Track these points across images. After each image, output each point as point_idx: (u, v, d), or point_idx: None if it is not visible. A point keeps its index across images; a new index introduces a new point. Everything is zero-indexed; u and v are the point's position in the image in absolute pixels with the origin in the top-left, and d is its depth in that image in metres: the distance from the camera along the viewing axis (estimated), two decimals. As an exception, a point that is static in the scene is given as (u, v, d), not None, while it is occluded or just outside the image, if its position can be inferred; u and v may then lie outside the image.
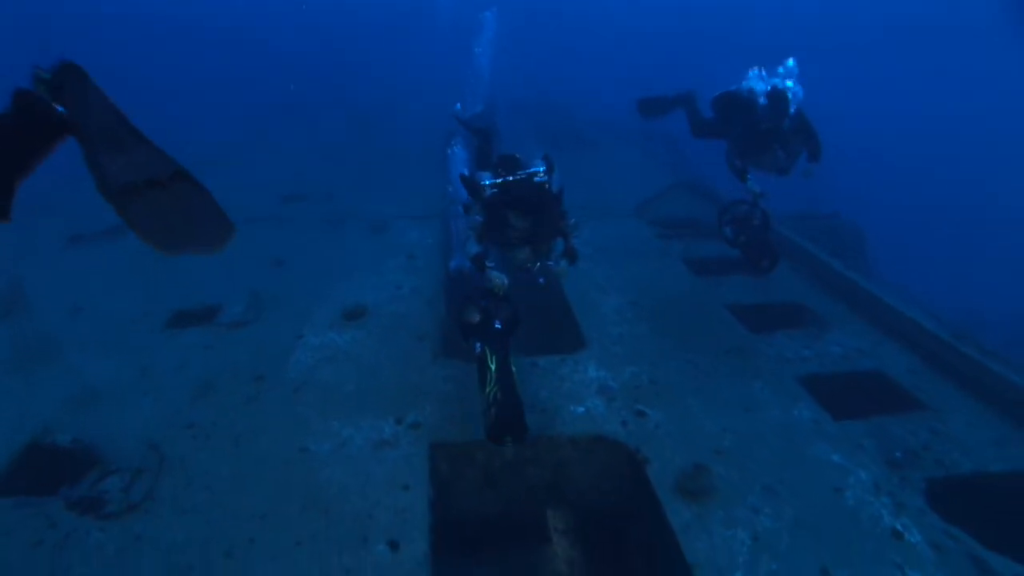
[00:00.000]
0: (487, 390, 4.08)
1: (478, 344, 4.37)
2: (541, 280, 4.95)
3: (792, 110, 6.11)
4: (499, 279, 4.65)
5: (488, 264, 4.72)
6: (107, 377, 5.04)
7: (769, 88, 6.19)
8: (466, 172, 5.45)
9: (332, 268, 6.62)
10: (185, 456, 4.12)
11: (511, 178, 4.66)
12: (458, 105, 8.86)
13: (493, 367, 4.18)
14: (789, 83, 6.14)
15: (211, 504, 3.77)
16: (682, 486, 3.87)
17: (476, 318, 4.46)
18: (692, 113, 7.19)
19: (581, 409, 4.46)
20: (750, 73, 6.44)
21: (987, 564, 3.57)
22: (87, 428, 4.44)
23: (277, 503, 3.75)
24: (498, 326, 4.40)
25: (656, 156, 11.73)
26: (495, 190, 4.67)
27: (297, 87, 17.82)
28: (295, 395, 4.64)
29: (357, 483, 3.86)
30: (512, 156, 4.93)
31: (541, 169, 4.65)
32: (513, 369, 4.27)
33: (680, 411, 4.53)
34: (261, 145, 12.49)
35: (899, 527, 3.76)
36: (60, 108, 1.94)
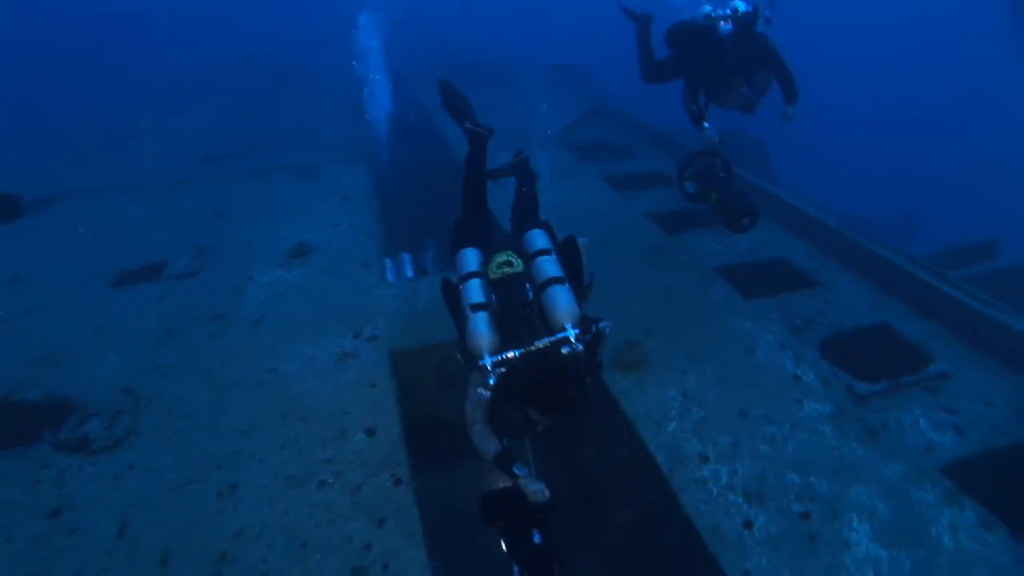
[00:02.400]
0: None
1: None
2: None
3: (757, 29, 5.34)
4: (540, 493, 2.78)
5: (518, 471, 2.87)
6: (63, 337, 4.97)
7: (728, 11, 5.35)
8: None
9: (271, 215, 6.66)
10: (160, 393, 4.25)
11: (526, 351, 2.74)
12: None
13: None
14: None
15: (194, 429, 3.94)
16: (619, 361, 4.36)
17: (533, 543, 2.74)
18: (644, 52, 6.13)
19: (520, 310, 4.82)
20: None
21: (855, 390, 4.32)
22: (55, 384, 4.44)
23: (256, 418, 3.97)
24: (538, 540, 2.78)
25: (571, 89, 12.21)
26: (501, 370, 2.74)
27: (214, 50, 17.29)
28: (255, 327, 4.81)
29: (328, 389, 4.12)
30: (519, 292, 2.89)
31: (570, 332, 2.71)
32: None
33: (610, 303, 4.99)
34: (184, 109, 12.16)
35: (798, 372, 4.47)
36: None
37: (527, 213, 3.85)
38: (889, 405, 4.25)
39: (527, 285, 2.91)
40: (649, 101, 8.57)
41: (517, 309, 2.86)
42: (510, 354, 2.74)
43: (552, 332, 2.79)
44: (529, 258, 3.09)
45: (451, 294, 3.15)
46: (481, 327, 2.86)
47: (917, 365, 4.57)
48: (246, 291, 5.29)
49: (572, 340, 2.70)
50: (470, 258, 3.22)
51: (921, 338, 4.91)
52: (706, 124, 5.68)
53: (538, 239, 3.20)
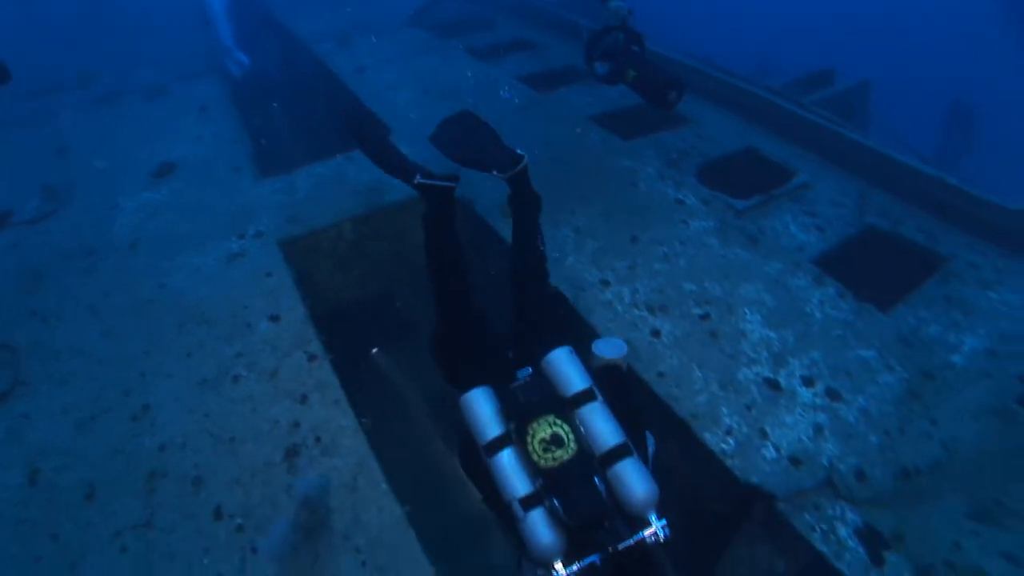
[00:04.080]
0: None
1: None
2: None
3: None
4: None
5: None
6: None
7: None
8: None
9: (124, 141, 5.96)
10: (41, 339, 3.82)
11: (609, 553, 1.96)
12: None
13: None
14: None
15: (89, 364, 3.60)
16: (504, 211, 4.29)
17: None
18: None
19: (404, 179, 4.63)
20: None
21: (734, 206, 4.55)
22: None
23: (155, 336, 3.67)
24: None
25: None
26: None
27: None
28: (133, 251, 4.38)
29: (224, 290, 3.85)
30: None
31: (656, 523, 1.97)
32: None
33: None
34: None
35: (680, 197, 4.61)
36: None
37: (534, 276, 2.71)
38: (764, 215, 4.56)
39: (596, 480, 1.96)
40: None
41: (594, 524, 1.96)
42: (590, 561, 1.99)
43: (628, 520, 2.02)
44: (568, 405, 2.15)
45: (474, 463, 2.19)
46: (542, 533, 1.97)
47: (783, 180, 4.92)
48: (114, 220, 4.79)
49: (660, 532, 1.98)
50: (484, 410, 2.18)
51: (784, 157, 5.28)
52: None
53: (570, 371, 2.23)
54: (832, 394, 3.33)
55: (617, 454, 2.04)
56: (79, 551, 2.72)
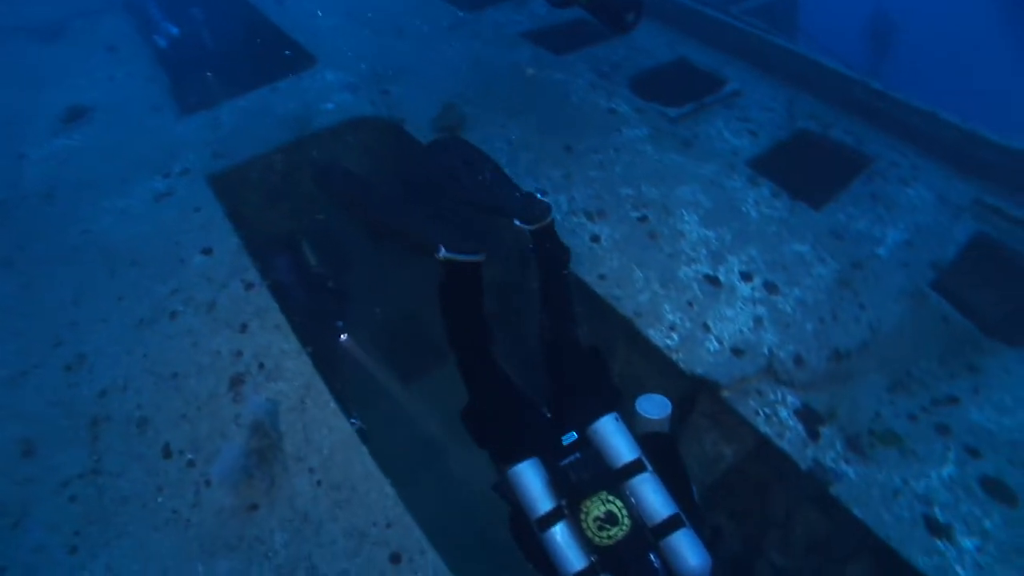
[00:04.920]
0: None
1: None
2: None
3: None
4: None
5: None
6: None
7: None
8: None
9: (22, 86, 5.44)
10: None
11: None
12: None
13: None
14: None
15: (11, 319, 3.32)
16: (438, 127, 4.16)
17: None
18: None
19: (331, 105, 4.41)
20: None
21: (667, 114, 4.54)
22: None
23: (83, 283, 3.44)
24: None
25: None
26: None
27: None
28: (48, 201, 4.06)
29: (151, 230, 3.62)
30: None
31: None
32: None
33: (419, 79, 4.71)
34: None
35: (612, 107, 4.54)
36: None
37: (567, 336, 2.55)
38: (697, 122, 4.55)
39: (651, 556, 1.96)
40: None
41: None
42: None
43: None
44: (618, 478, 2.10)
45: (526, 535, 2.14)
46: None
47: (714, 88, 4.90)
48: (22, 171, 4.41)
49: None
50: (534, 484, 2.12)
51: (714, 66, 5.25)
52: None
53: (618, 442, 2.16)
54: (770, 287, 3.40)
55: (670, 526, 2.00)
56: (21, 508, 2.58)
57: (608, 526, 1.96)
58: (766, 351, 3.11)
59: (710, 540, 2.06)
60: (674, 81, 5.19)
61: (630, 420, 2.35)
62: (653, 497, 2.05)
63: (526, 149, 4.11)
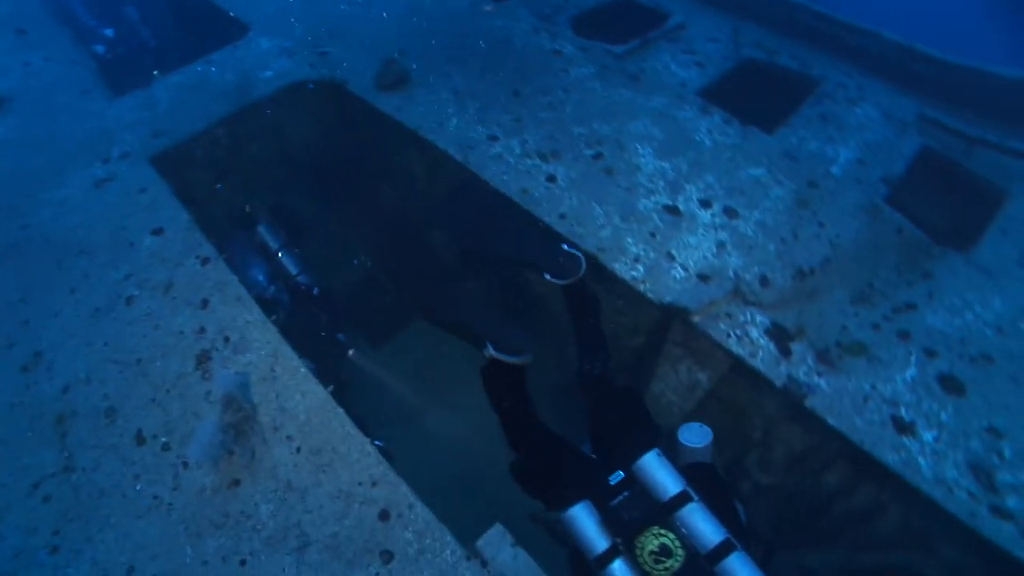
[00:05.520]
0: None
1: None
2: None
3: None
4: None
5: None
6: None
7: None
8: None
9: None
10: None
11: None
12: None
13: None
14: None
15: None
16: (380, 84, 4.01)
17: None
18: None
19: (269, 73, 4.21)
20: None
21: (612, 51, 4.47)
22: None
23: (29, 280, 3.25)
24: None
25: None
26: None
27: None
28: (-20, 202, 3.86)
29: (96, 217, 3.43)
30: None
31: None
32: None
33: (357, 37, 4.55)
34: None
35: (557, 48, 4.46)
36: None
37: (603, 379, 2.61)
38: (643, 58, 4.47)
39: None
40: None
41: None
42: None
43: None
44: (667, 511, 2.16)
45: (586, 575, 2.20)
46: None
47: (658, 23, 4.82)
48: (-57, 174, 4.16)
49: None
50: (588, 526, 2.18)
51: (657, 1, 5.16)
52: None
53: (663, 476, 2.22)
54: (729, 212, 3.40)
55: (723, 550, 2.04)
56: (-9, 516, 2.46)
57: (663, 559, 2.05)
58: (732, 274, 3.12)
59: (763, 559, 2.14)
60: (617, 19, 5.10)
61: (671, 446, 2.42)
62: (702, 525, 2.11)
63: (473, 97, 4.00)
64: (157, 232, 3.25)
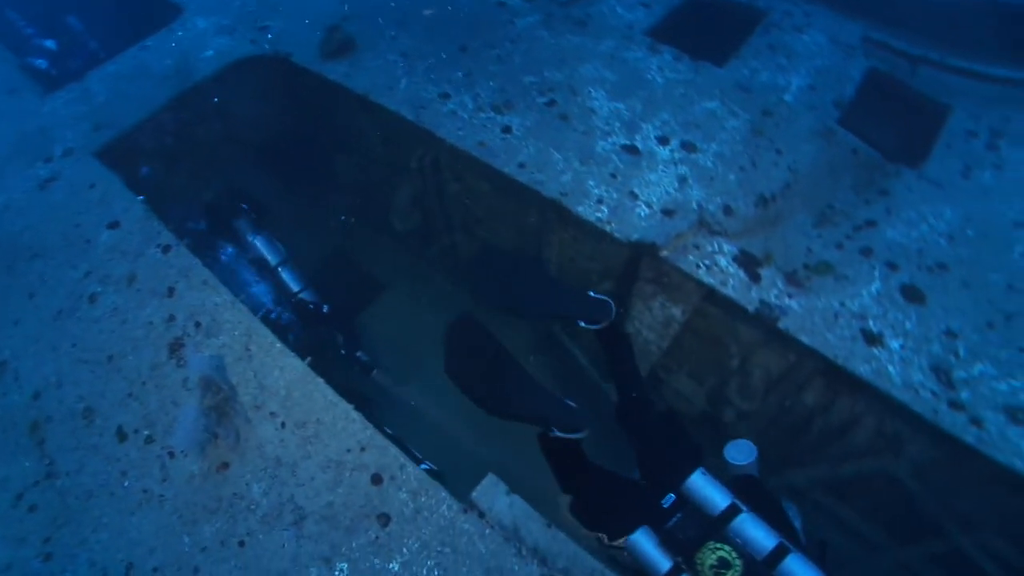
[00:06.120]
0: None
1: None
2: None
3: None
4: None
5: None
6: None
7: None
8: None
9: None
10: None
11: None
12: None
13: None
14: None
15: None
16: (325, 52, 3.89)
17: None
18: None
19: (209, 52, 4.03)
20: None
21: None
22: None
23: None
24: None
25: None
26: None
27: None
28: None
29: (47, 217, 3.28)
30: None
31: None
32: None
33: (296, 7, 4.38)
34: None
35: (501, 0, 4.35)
36: None
37: (642, 410, 2.74)
38: (589, 2, 4.38)
39: None
40: None
41: None
42: None
43: None
44: (720, 525, 2.27)
45: None
46: None
47: None
48: None
49: None
50: (649, 549, 2.30)
51: None
52: None
53: (711, 492, 2.34)
54: (687, 146, 3.38)
55: (778, 554, 2.14)
56: (-27, 533, 2.40)
57: (723, 571, 2.15)
58: (695, 207, 3.12)
59: (820, 556, 2.21)
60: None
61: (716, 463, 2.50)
62: (755, 533, 2.21)
63: (421, 57, 3.89)
64: (113, 226, 3.13)
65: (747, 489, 2.41)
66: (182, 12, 4.46)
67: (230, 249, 3.88)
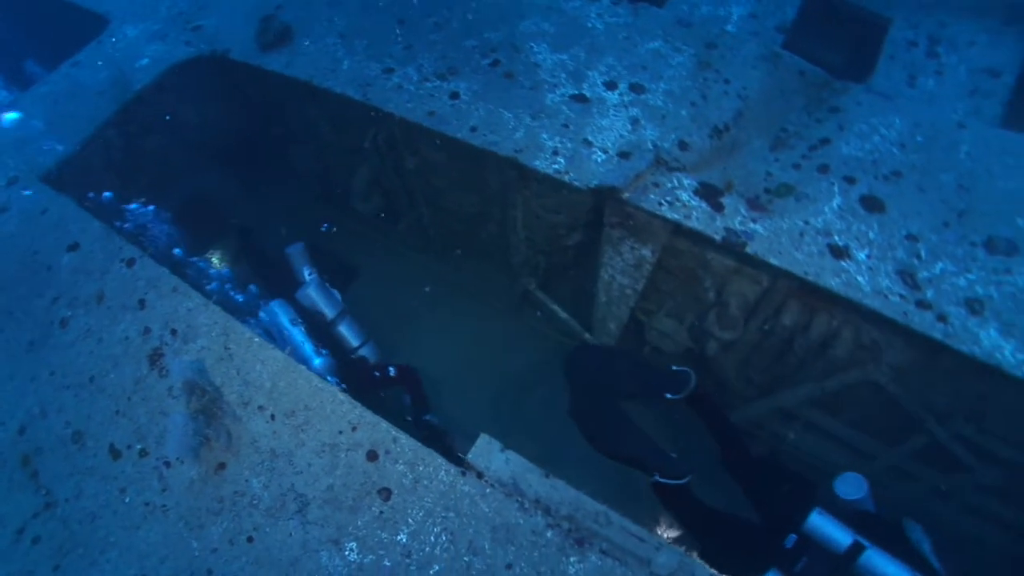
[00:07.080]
0: None
1: None
2: None
3: None
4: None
5: None
6: None
7: None
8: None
9: None
10: None
11: None
12: None
13: None
14: None
15: None
16: (262, 43, 3.77)
17: None
18: None
19: (145, 60, 3.88)
20: None
21: None
22: None
23: None
24: None
25: None
26: None
27: None
28: None
29: (1, 248, 3.20)
30: None
31: None
32: None
33: (226, 2, 4.23)
34: None
35: None
36: None
37: (743, 455, 2.89)
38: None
39: None
40: None
41: None
42: None
43: None
44: (846, 563, 2.32)
45: None
46: None
47: None
48: None
49: None
50: None
51: None
52: None
53: (832, 531, 2.39)
54: (636, 88, 3.34)
55: None
56: (-22, 572, 2.38)
57: None
58: (651, 146, 3.09)
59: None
60: None
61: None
62: (884, 568, 2.26)
63: (360, 36, 3.78)
64: (73, 248, 3.04)
65: (866, 523, 2.45)
66: (109, 23, 4.30)
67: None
